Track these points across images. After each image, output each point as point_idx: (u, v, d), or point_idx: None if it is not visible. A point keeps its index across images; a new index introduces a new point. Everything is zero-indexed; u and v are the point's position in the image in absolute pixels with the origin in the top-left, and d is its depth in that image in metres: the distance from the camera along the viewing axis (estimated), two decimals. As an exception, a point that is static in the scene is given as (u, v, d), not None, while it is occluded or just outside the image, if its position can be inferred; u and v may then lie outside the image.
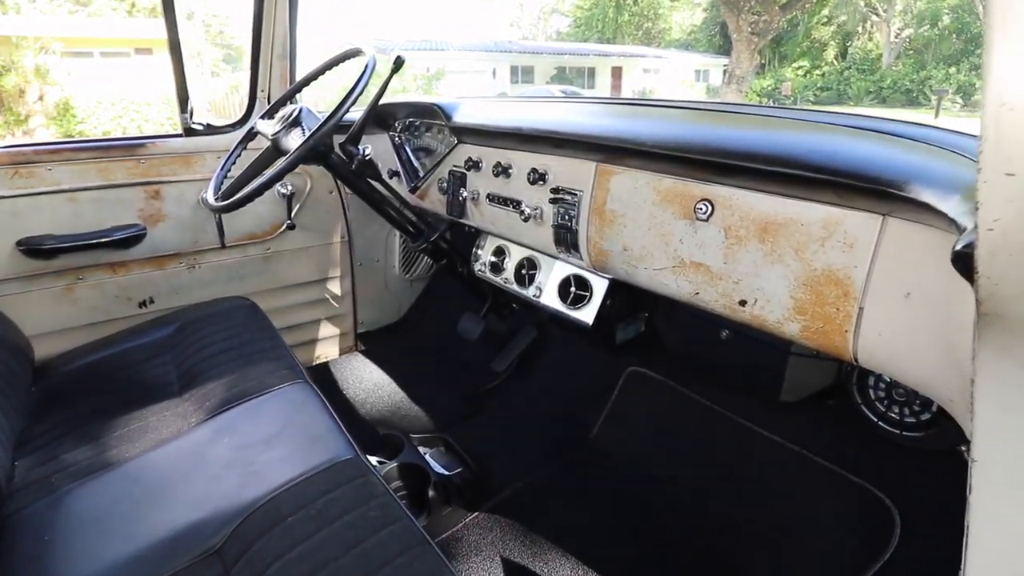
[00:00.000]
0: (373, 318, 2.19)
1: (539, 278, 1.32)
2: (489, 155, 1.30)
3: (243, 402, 1.15)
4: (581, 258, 1.14)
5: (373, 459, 1.38)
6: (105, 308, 1.65)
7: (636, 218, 0.99)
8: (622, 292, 1.22)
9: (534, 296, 1.31)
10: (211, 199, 1.27)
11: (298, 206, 1.86)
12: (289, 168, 1.13)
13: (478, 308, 1.71)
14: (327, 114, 1.17)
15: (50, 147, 1.48)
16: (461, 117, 1.35)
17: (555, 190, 1.13)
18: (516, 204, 1.23)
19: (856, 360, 0.74)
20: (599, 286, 1.21)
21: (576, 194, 1.09)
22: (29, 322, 1.51)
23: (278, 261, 1.88)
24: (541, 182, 1.16)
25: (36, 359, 1.46)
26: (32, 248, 1.46)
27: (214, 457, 1.01)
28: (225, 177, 1.36)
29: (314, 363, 2.05)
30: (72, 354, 1.41)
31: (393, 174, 1.66)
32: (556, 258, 1.27)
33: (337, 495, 0.89)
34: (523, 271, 1.36)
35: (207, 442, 1.05)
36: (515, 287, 1.38)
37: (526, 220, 1.19)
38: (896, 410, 1.01)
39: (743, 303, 0.85)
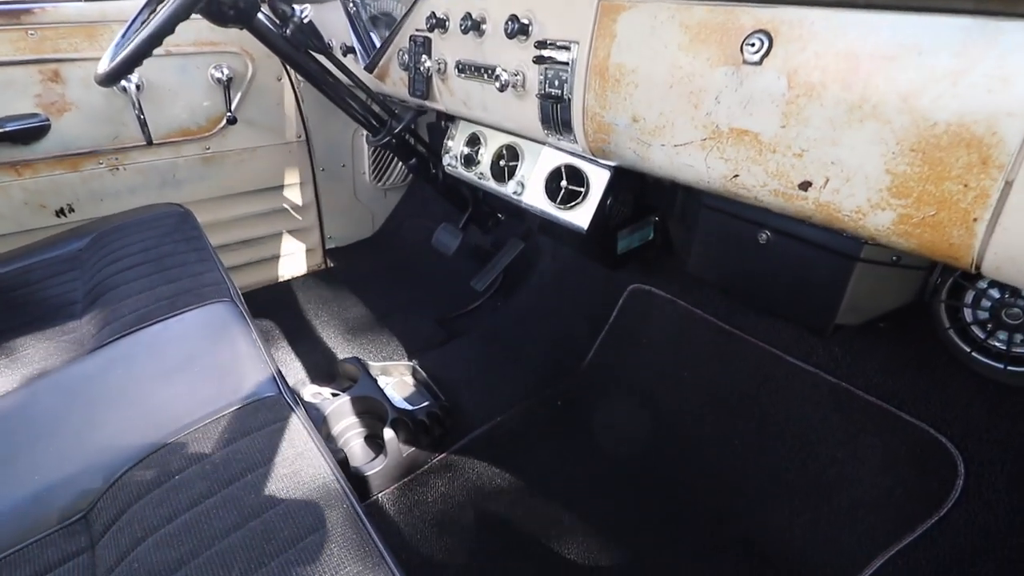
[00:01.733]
0: (343, 232, 1.94)
1: (521, 170, 1.04)
2: (457, 7, 0.98)
3: (150, 325, 0.93)
4: (575, 140, 0.86)
5: (326, 390, 1.18)
6: (14, 217, 1.40)
7: (653, 73, 0.70)
8: (627, 187, 0.95)
9: (515, 194, 1.04)
10: (100, 71, 0.98)
11: (239, 96, 1.55)
12: (180, 13, 0.83)
13: (459, 219, 1.45)
14: None
15: None
16: (420, -45, 1.01)
17: (541, 44, 0.83)
18: (491, 72, 0.93)
19: (977, 267, 0.49)
20: (598, 179, 0.93)
21: (569, 48, 0.80)
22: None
23: (221, 164, 1.60)
24: (523, 35, 0.86)
25: (-72, 276, 1.23)
26: (-103, 140, 1.18)
27: (99, 394, 0.80)
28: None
29: (278, 281, 1.82)
30: (-31, 270, 1.17)
31: (348, 50, 1.34)
32: (543, 143, 0.98)
33: (242, 446, 0.68)
34: (501, 162, 1.08)
35: (94, 375, 0.83)
36: (492, 183, 1.10)
37: (503, 90, 0.89)
38: (1003, 337, 0.76)
39: (806, 185, 0.58)
